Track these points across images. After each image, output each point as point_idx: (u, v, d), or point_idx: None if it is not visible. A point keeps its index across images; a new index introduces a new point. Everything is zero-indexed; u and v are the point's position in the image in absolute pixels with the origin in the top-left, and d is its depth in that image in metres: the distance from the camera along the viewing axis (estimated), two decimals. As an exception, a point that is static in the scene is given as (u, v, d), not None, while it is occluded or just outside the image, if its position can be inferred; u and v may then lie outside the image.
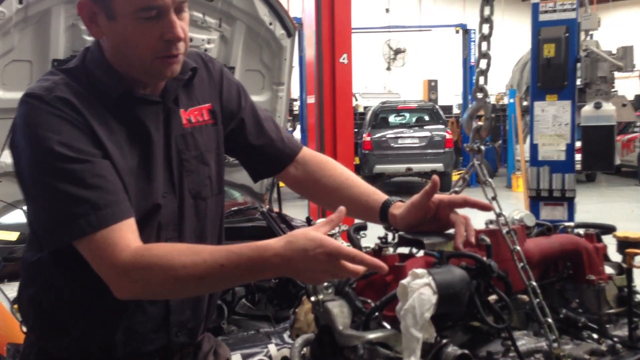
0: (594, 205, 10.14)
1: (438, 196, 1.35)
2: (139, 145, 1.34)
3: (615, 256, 1.49)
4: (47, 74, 1.34)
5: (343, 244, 1.16)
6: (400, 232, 1.38)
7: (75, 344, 1.37)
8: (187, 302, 1.43)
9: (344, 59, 5.92)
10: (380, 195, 1.50)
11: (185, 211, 1.42)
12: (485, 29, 1.36)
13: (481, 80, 1.38)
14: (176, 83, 1.41)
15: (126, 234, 1.22)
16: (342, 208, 1.22)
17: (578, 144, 4.55)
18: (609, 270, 1.45)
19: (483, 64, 1.38)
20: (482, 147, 1.42)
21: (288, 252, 1.16)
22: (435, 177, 1.33)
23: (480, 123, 1.41)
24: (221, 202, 1.54)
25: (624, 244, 1.44)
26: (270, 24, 2.91)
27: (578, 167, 4.74)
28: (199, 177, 1.44)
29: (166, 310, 1.40)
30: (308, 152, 1.64)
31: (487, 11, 1.35)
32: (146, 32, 1.26)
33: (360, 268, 1.13)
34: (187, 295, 1.36)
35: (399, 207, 1.43)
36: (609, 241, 1.51)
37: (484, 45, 1.37)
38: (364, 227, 1.51)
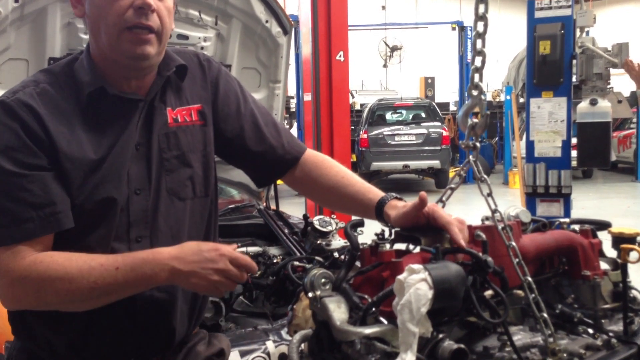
0: (591, 201, 10.17)
1: (431, 206, 1.34)
2: (106, 143, 1.34)
3: (610, 252, 1.50)
4: (30, 76, 1.38)
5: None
6: (397, 229, 1.38)
7: (47, 344, 1.39)
8: (155, 304, 1.41)
9: (340, 56, 5.93)
10: (375, 194, 1.51)
11: (160, 210, 1.40)
12: (480, 26, 1.36)
13: (476, 77, 1.38)
14: (159, 79, 1.41)
15: (36, 246, 1.25)
16: (234, 245, 1.34)
17: (574, 140, 4.57)
18: (604, 265, 1.46)
19: (478, 61, 1.38)
20: (478, 144, 1.42)
21: (183, 252, 1.26)
22: (423, 193, 1.32)
23: (476, 120, 1.41)
24: (208, 205, 1.52)
25: (619, 240, 1.45)
26: (267, 21, 2.92)
27: (574, 163, 4.76)
28: (179, 177, 1.43)
29: (133, 311, 1.38)
30: (308, 153, 1.64)
31: (481, 9, 1.36)
32: None
33: (245, 276, 1.29)
34: (85, 306, 1.29)
35: (394, 206, 1.44)
36: (605, 237, 1.52)
37: (479, 42, 1.38)
38: (361, 224, 1.52)
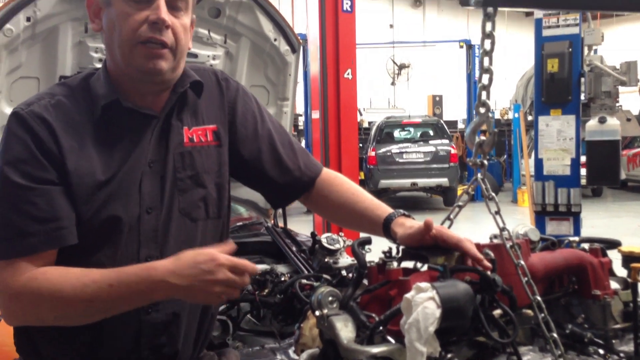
0: (600, 220, 10.10)
1: (438, 229, 1.33)
2: (117, 159, 1.34)
3: (620, 271, 1.49)
4: (48, 88, 1.40)
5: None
6: (404, 247, 1.38)
7: None
8: (160, 326, 1.40)
9: (348, 74, 5.95)
10: (383, 210, 1.50)
11: (171, 231, 1.38)
12: (487, 44, 1.37)
13: (483, 95, 1.39)
14: (173, 95, 1.41)
15: (32, 263, 1.24)
16: (231, 242, 1.29)
17: (583, 158, 4.55)
18: (614, 285, 1.44)
19: (485, 79, 1.38)
20: (485, 162, 1.42)
21: (179, 266, 1.21)
22: (429, 220, 1.31)
23: (484, 138, 1.41)
24: (220, 226, 1.50)
25: (629, 259, 1.44)
26: (275, 40, 2.93)
27: (583, 181, 4.74)
28: (192, 197, 1.42)
29: (138, 333, 1.37)
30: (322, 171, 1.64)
31: (488, 27, 1.36)
32: (132, 13, 1.30)
33: (247, 281, 1.23)
34: (83, 321, 1.28)
35: (401, 224, 1.43)
36: (615, 256, 1.51)
37: (486, 60, 1.38)
38: (368, 242, 1.51)
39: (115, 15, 1.31)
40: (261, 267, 2.75)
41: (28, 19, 2.34)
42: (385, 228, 1.45)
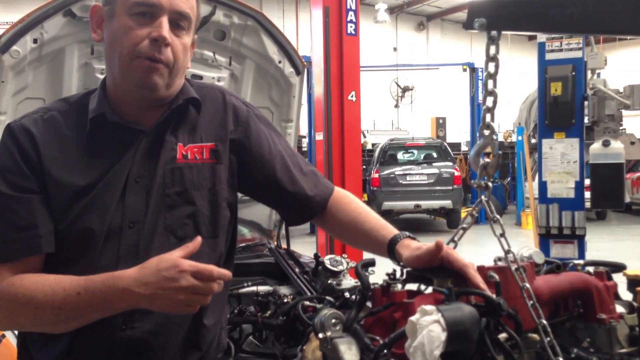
0: (605, 243, 10.05)
1: (445, 249, 1.31)
2: (98, 171, 1.35)
3: (626, 295, 1.48)
4: (51, 102, 1.47)
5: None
6: (409, 269, 1.37)
7: None
8: (135, 344, 1.36)
9: (352, 96, 5.98)
10: (389, 231, 1.50)
11: (154, 247, 1.35)
12: (491, 67, 1.37)
13: (488, 117, 1.39)
14: (166, 111, 1.42)
15: (10, 270, 1.27)
16: (198, 238, 1.26)
17: (587, 181, 4.54)
18: (620, 309, 1.43)
19: (489, 101, 1.39)
20: (490, 184, 1.42)
21: (140, 275, 1.20)
22: (440, 241, 1.30)
23: (488, 160, 1.41)
24: (219, 247, 1.47)
25: (634, 282, 1.43)
26: (280, 62, 2.96)
27: (588, 204, 4.72)
28: (179, 214, 1.39)
29: (111, 349, 1.34)
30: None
31: (492, 50, 1.37)
32: (135, 27, 1.32)
33: (215, 287, 1.19)
34: (57, 328, 1.28)
35: (407, 246, 1.42)
36: (620, 279, 1.50)
37: (490, 83, 1.39)
38: (372, 264, 1.50)
39: (118, 28, 1.33)
40: (264, 288, 2.74)
41: (35, 41, 2.37)
42: (389, 249, 1.45)
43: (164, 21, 1.32)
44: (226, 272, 1.22)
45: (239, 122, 1.51)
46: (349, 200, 1.62)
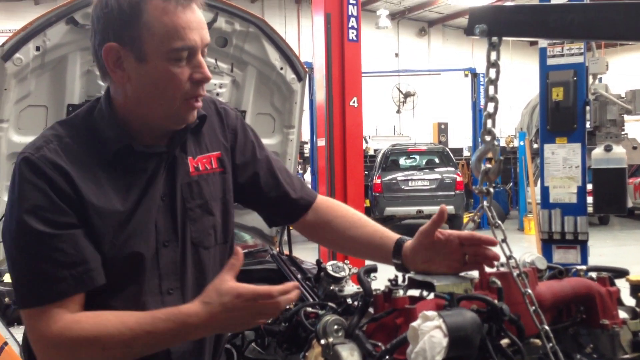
0: (608, 248, 10.03)
1: (448, 231, 1.39)
2: (133, 196, 1.34)
3: (628, 300, 1.47)
4: (48, 129, 1.36)
5: (255, 286, 1.22)
6: (411, 274, 1.37)
7: None
8: (188, 354, 1.41)
9: (354, 102, 5.99)
10: (392, 234, 1.52)
11: (187, 261, 1.40)
12: (492, 73, 1.38)
13: (489, 123, 1.39)
14: (182, 132, 1.40)
15: (65, 308, 1.24)
16: (238, 249, 1.28)
17: (589, 186, 4.54)
18: (622, 314, 1.43)
19: (490, 107, 1.39)
20: (491, 190, 1.42)
21: (208, 314, 1.21)
22: (443, 206, 1.36)
23: (489, 165, 1.41)
24: (227, 251, 1.51)
25: (637, 288, 1.43)
26: (281, 68, 2.96)
27: (590, 209, 4.72)
28: (203, 226, 1.43)
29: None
30: (319, 198, 1.66)
31: (493, 56, 1.37)
32: (178, 72, 1.28)
33: (282, 300, 1.21)
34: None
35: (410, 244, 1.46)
36: (623, 285, 1.50)
37: (491, 89, 1.39)
38: (374, 270, 1.50)
39: (157, 74, 1.28)
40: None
41: (37, 49, 2.38)
42: (396, 250, 1.47)
43: (202, 60, 1.31)
44: (289, 286, 1.25)
45: (229, 129, 1.54)
46: (345, 208, 1.65)
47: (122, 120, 1.35)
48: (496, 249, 1.36)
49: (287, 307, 2.51)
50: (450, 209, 12.31)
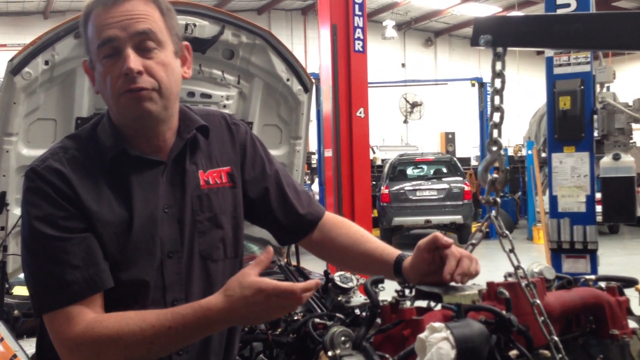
0: (618, 257, 9.95)
1: (448, 241, 1.40)
2: (133, 204, 1.36)
3: (638, 310, 1.46)
4: (57, 143, 1.41)
5: (278, 281, 1.22)
6: (417, 286, 1.37)
7: None
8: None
9: (360, 113, 6.01)
10: (393, 250, 1.54)
11: (194, 272, 1.41)
12: (498, 83, 1.38)
13: (495, 133, 1.39)
14: (179, 141, 1.43)
15: (86, 309, 1.26)
16: (269, 247, 1.29)
17: (598, 195, 4.52)
18: (632, 324, 1.42)
19: (496, 117, 1.39)
20: (498, 200, 1.42)
21: (229, 305, 1.22)
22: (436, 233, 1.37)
23: (496, 175, 1.41)
24: (237, 265, 1.52)
25: (647, 297, 1.42)
26: (288, 80, 2.98)
27: (599, 218, 4.69)
28: (211, 238, 1.45)
29: None
30: (326, 215, 1.67)
31: (498, 66, 1.37)
32: (110, 70, 1.32)
33: (304, 297, 1.21)
34: (148, 359, 1.31)
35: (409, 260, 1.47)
36: (632, 294, 1.49)
37: (497, 99, 1.39)
38: (382, 281, 1.50)
39: (99, 77, 1.36)
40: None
41: (46, 63, 2.40)
42: (396, 266, 1.48)
43: (128, 52, 1.30)
44: (311, 284, 1.25)
45: (239, 144, 1.56)
46: (349, 224, 1.66)
47: (118, 129, 1.40)
48: (505, 259, 1.36)
49: (295, 317, 2.51)
50: (458, 218, 12.28)
